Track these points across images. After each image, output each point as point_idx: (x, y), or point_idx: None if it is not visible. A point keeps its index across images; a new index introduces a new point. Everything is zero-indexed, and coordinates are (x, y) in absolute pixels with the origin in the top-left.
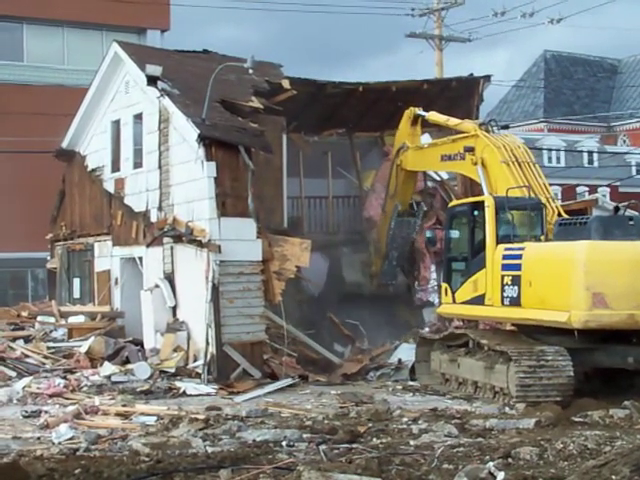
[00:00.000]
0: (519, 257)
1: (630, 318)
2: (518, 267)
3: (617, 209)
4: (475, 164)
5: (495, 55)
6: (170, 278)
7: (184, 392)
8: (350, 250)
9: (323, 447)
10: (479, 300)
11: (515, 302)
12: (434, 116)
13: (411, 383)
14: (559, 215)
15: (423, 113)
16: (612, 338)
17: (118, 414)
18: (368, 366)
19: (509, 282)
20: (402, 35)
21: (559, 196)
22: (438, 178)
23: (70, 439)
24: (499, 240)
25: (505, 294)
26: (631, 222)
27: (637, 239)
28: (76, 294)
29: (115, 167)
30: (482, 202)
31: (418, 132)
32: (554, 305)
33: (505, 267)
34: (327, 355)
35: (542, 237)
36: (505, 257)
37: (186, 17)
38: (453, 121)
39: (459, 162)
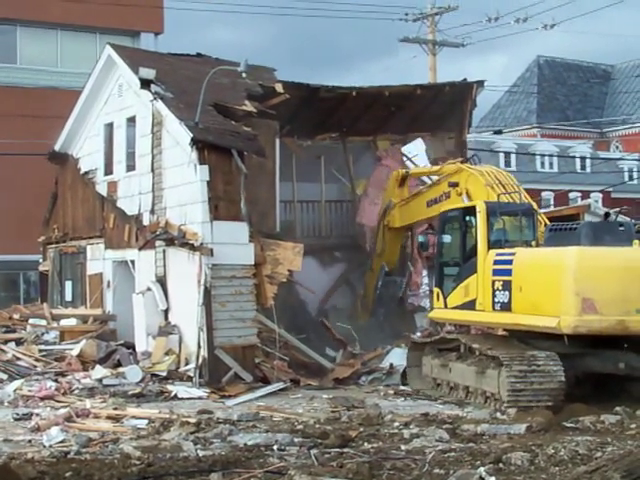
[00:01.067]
0: (510, 262)
1: (619, 324)
2: (509, 272)
3: (607, 215)
4: (460, 194)
5: (489, 60)
6: (162, 281)
7: (175, 395)
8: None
9: (314, 451)
10: (470, 305)
11: (506, 307)
12: (417, 170)
13: (403, 388)
14: (546, 225)
15: (407, 171)
16: (603, 343)
17: (109, 417)
18: (360, 371)
19: (500, 287)
20: (397, 40)
21: (551, 202)
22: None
23: (61, 442)
24: (491, 245)
25: (496, 299)
26: (621, 228)
27: (627, 245)
28: (68, 297)
29: (108, 170)
30: (474, 207)
31: (405, 193)
32: (544, 310)
33: (496, 272)
34: (318, 359)
35: (533, 242)
36: (496, 262)
37: (182, 20)
38: (435, 167)
39: (445, 202)
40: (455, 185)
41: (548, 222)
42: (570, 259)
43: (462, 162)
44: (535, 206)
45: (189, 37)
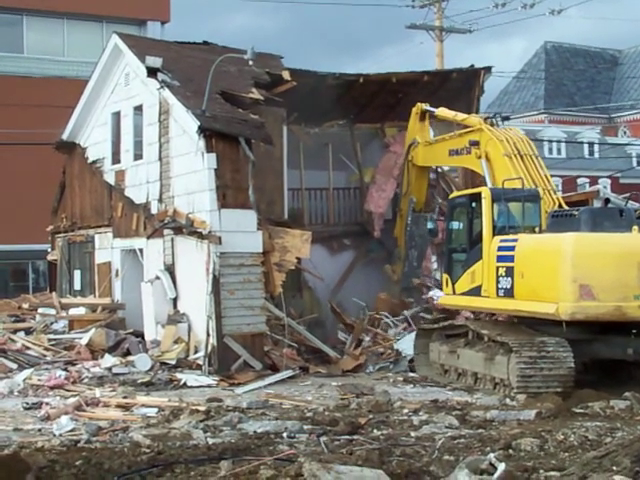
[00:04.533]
0: (512, 249)
1: (617, 310)
2: (511, 259)
3: (607, 201)
4: (479, 157)
5: (500, 46)
6: (171, 270)
7: (185, 384)
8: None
9: (324, 438)
10: (476, 291)
11: (509, 293)
12: (443, 112)
13: (412, 374)
14: (560, 207)
15: (432, 109)
16: (611, 329)
17: (119, 406)
18: (367, 363)
19: (503, 273)
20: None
21: (560, 187)
22: (439, 169)
23: (71, 431)
24: (496, 231)
25: (500, 285)
26: (622, 214)
27: (627, 231)
28: (77, 286)
29: (115, 159)
30: (479, 194)
31: (427, 127)
32: (543, 297)
33: (500, 258)
34: (324, 349)
35: (536, 229)
36: (500, 249)
37: (197, 7)
38: (460, 116)
39: (466, 156)
40: (476, 144)
41: (564, 204)
42: (568, 245)
43: (485, 119)
44: (546, 191)
45: (204, 24)
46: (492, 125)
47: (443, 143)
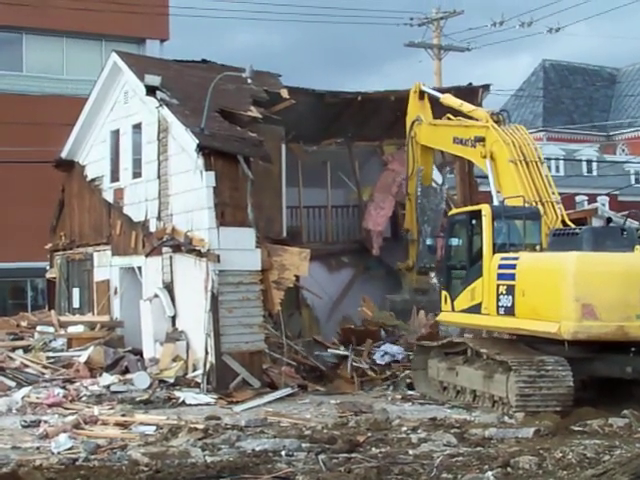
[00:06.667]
0: (514, 267)
1: (619, 330)
2: (512, 277)
3: (609, 220)
4: (484, 157)
5: (507, 62)
6: (169, 288)
7: (183, 402)
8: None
9: (322, 457)
10: (476, 309)
11: (509, 312)
12: (448, 99)
13: (410, 392)
14: (563, 222)
15: (436, 94)
16: (610, 348)
17: (117, 424)
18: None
19: (504, 291)
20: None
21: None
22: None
23: (69, 449)
24: (497, 249)
25: (500, 303)
26: (624, 233)
27: (629, 250)
28: (75, 304)
29: (114, 177)
30: (480, 211)
31: (427, 105)
32: (545, 316)
33: (500, 276)
34: (320, 366)
35: (537, 247)
36: (500, 266)
37: (202, 24)
38: (467, 107)
39: (470, 149)
40: (481, 140)
41: (567, 219)
42: (570, 264)
43: (491, 115)
44: (549, 203)
45: (207, 42)
46: (498, 122)
47: (448, 128)
